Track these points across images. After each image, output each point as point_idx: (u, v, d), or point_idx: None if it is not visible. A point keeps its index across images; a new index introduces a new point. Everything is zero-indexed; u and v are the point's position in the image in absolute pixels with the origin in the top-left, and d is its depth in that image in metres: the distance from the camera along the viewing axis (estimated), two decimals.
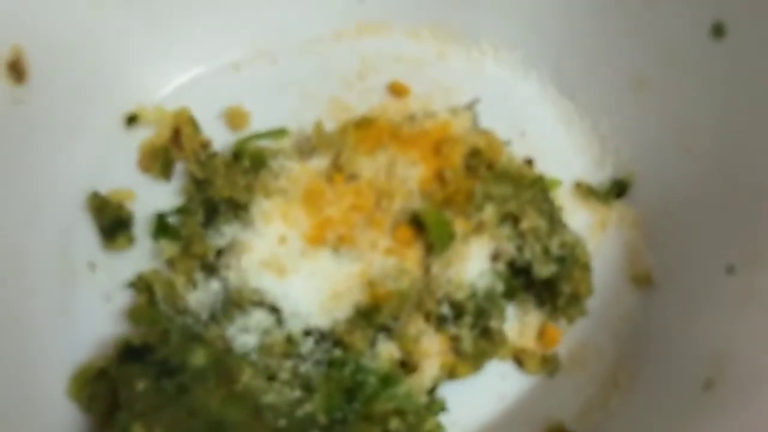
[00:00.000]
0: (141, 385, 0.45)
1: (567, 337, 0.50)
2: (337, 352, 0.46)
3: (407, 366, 0.46)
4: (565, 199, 0.55)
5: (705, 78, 0.50)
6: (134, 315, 0.50)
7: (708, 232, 0.49)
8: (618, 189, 0.54)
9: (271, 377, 0.46)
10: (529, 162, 0.53)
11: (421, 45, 0.60)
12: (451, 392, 0.48)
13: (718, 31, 0.48)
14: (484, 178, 0.50)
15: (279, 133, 0.56)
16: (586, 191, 0.54)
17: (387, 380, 0.45)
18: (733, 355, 0.44)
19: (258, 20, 0.59)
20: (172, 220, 0.54)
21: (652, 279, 0.51)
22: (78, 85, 0.54)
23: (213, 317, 0.48)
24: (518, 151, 0.55)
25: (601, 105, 0.56)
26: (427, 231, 0.48)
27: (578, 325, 0.51)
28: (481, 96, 0.57)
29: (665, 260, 0.52)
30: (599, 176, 0.55)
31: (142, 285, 0.51)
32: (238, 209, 0.51)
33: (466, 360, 0.48)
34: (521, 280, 0.50)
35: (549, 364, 0.49)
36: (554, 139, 0.57)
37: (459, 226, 0.49)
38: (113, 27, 0.55)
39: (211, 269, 0.50)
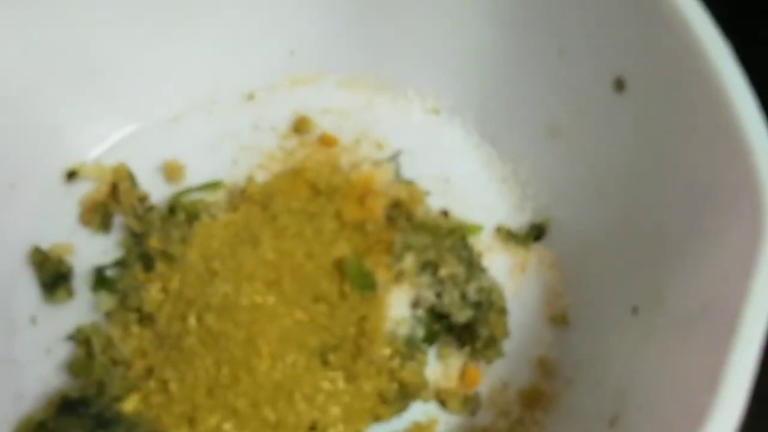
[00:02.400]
0: None
1: (487, 377, 0.53)
2: None
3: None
4: (486, 243, 0.57)
5: (611, 127, 0.53)
6: (73, 367, 0.52)
7: (616, 273, 0.52)
8: (536, 232, 0.57)
9: None
10: (445, 213, 0.56)
11: (351, 95, 0.63)
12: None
13: (619, 85, 0.51)
14: (403, 229, 0.53)
15: (213, 186, 0.58)
16: (506, 235, 0.57)
17: None
18: (635, 390, 0.46)
19: (193, 74, 0.61)
20: (110, 273, 0.55)
21: (568, 318, 0.54)
22: (17, 142, 0.56)
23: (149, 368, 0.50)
24: (442, 197, 0.58)
25: (521, 151, 0.59)
26: (350, 280, 0.50)
27: (497, 365, 0.53)
28: (407, 144, 0.60)
29: (580, 300, 0.54)
30: (519, 220, 0.58)
31: (80, 338, 0.53)
32: (172, 261, 0.53)
33: (390, 404, 0.50)
34: (442, 325, 0.53)
35: (470, 404, 0.52)
36: (477, 185, 0.59)
37: (380, 275, 0.51)
38: (50, 85, 0.57)
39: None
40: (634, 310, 0.49)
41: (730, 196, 0.44)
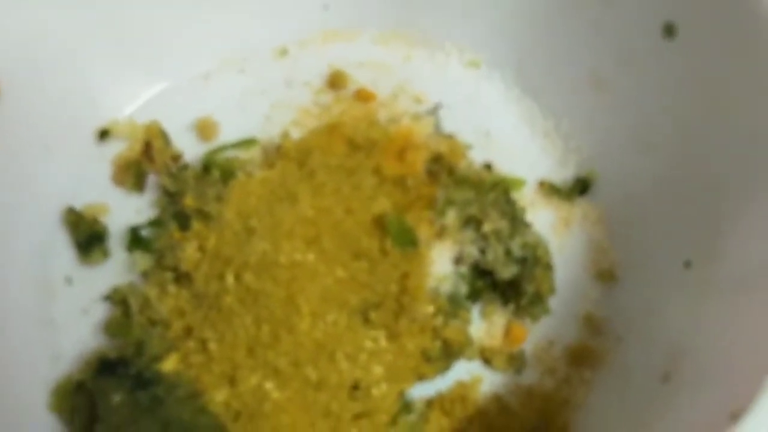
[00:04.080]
0: (117, 398, 0.47)
1: (532, 335, 0.52)
2: None
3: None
4: (529, 198, 0.56)
5: (659, 77, 0.51)
6: (110, 328, 0.51)
7: (667, 227, 0.51)
8: (581, 187, 0.55)
9: None
10: (488, 166, 0.54)
11: (386, 50, 0.61)
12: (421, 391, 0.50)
13: (669, 31, 0.50)
14: (445, 184, 0.51)
15: (247, 143, 0.57)
16: (549, 190, 0.56)
17: None
18: (688, 347, 0.45)
19: (224, 32, 0.60)
20: (145, 232, 0.55)
21: (615, 275, 0.53)
22: (49, 102, 0.55)
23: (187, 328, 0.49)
24: (483, 152, 0.57)
25: (563, 105, 0.58)
26: (391, 237, 0.49)
27: (543, 323, 0.52)
28: (446, 98, 0.59)
29: (627, 256, 0.53)
30: (562, 175, 0.57)
31: (117, 298, 0.52)
32: (208, 220, 0.52)
33: (434, 362, 0.49)
34: (485, 282, 0.51)
35: (515, 362, 0.50)
36: (518, 140, 0.58)
37: (422, 231, 0.50)
38: (81, 45, 0.56)
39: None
40: (687, 265, 0.48)
41: None
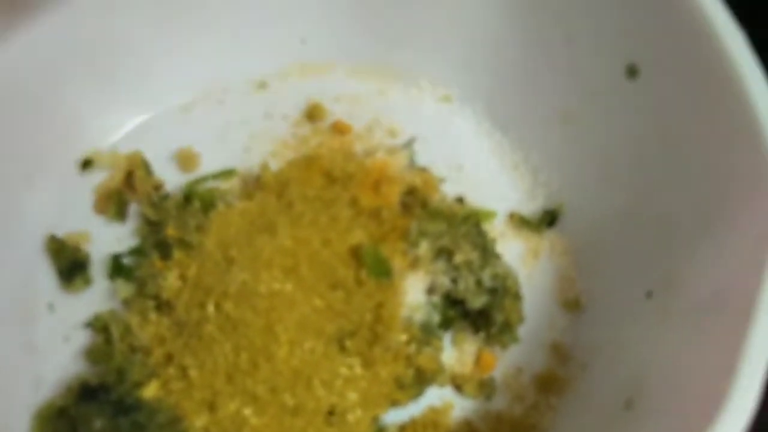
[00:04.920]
0: (98, 424, 0.48)
1: (502, 362, 0.54)
2: None
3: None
4: (499, 229, 0.58)
5: (622, 114, 0.53)
6: (92, 354, 0.52)
7: (630, 258, 0.53)
8: (549, 219, 0.57)
9: None
10: (460, 200, 0.57)
11: (362, 84, 0.63)
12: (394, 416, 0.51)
13: (631, 71, 0.52)
14: (419, 216, 0.53)
15: (227, 174, 0.58)
16: (519, 222, 0.58)
17: None
18: (650, 374, 0.47)
19: (205, 64, 0.62)
20: (127, 261, 0.56)
21: (581, 304, 0.55)
22: (32, 132, 0.56)
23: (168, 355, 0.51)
24: (456, 184, 0.59)
25: (532, 138, 0.60)
26: (366, 267, 0.51)
27: (512, 351, 0.54)
28: (420, 131, 0.61)
29: (592, 286, 0.55)
30: (531, 207, 0.59)
31: (98, 325, 0.53)
32: (189, 249, 0.53)
33: (407, 389, 0.50)
34: (457, 311, 0.53)
35: (485, 388, 0.52)
36: (489, 173, 0.60)
37: (396, 262, 0.52)
38: (66, 76, 0.57)
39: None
40: (649, 295, 0.50)
41: (743, 184, 0.44)
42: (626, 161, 0.54)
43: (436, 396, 0.52)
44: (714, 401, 0.39)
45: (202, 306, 0.50)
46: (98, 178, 0.59)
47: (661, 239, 0.50)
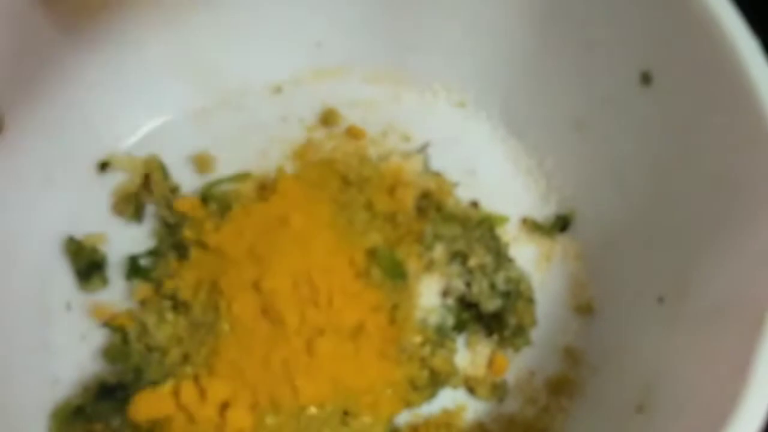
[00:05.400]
0: (116, 422, 0.48)
1: (514, 365, 0.54)
2: None
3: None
4: (512, 234, 0.58)
5: (636, 121, 0.54)
6: (109, 354, 0.53)
7: (641, 264, 0.53)
8: (561, 224, 0.58)
9: None
10: (475, 204, 0.57)
11: (376, 89, 0.64)
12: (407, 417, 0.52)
13: (645, 79, 0.52)
14: (433, 220, 0.54)
15: (242, 177, 0.59)
16: (532, 226, 0.58)
17: None
18: (661, 379, 0.47)
19: (221, 69, 0.62)
20: (143, 262, 0.57)
21: (593, 308, 0.55)
22: (51, 135, 0.57)
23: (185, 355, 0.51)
24: (469, 189, 0.59)
25: (546, 144, 0.60)
26: (381, 269, 0.51)
27: (524, 353, 0.54)
28: (434, 136, 0.61)
29: (604, 290, 0.55)
30: (544, 212, 0.59)
31: (115, 325, 0.54)
32: (206, 251, 0.54)
33: (421, 390, 0.51)
34: (470, 314, 0.54)
35: (498, 391, 0.53)
36: (503, 177, 0.61)
37: (411, 265, 0.52)
38: (84, 80, 0.58)
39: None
40: (660, 300, 0.50)
41: (756, 191, 0.45)
42: (639, 168, 0.54)
43: (449, 398, 0.53)
44: (726, 407, 0.39)
45: (218, 306, 0.51)
46: (115, 180, 0.60)
47: (673, 245, 0.50)
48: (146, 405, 0.48)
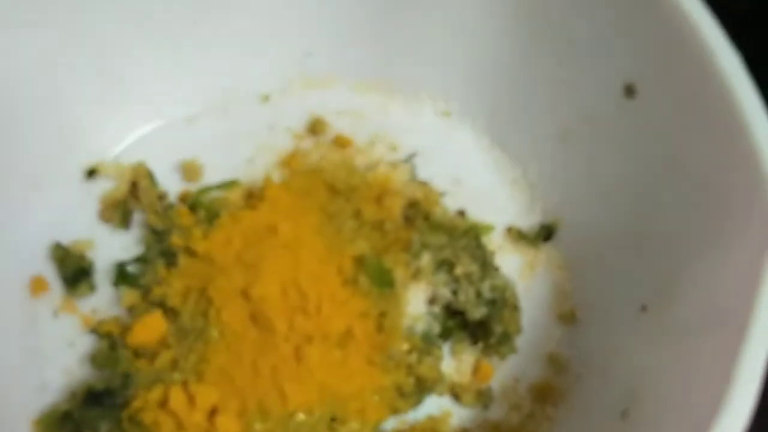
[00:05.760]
0: (104, 428, 0.49)
1: (499, 372, 0.55)
2: None
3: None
4: (497, 243, 0.59)
5: (621, 132, 0.55)
6: (97, 360, 0.53)
7: (625, 273, 0.54)
8: (546, 233, 0.59)
9: None
10: (461, 213, 0.58)
11: (364, 98, 0.64)
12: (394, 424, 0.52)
13: (629, 91, 0.53)
14: (420, 228, 0.55)
15: (230, 184, 0.59)
16: (516, 235, 0.59)
17: None
18: (645, 386, 0.48)
19: (209, 76, 0.63)
20: (131, 268, 0.57)
21: (577, 317, 0.56)
22: (38, 141, 0.57)
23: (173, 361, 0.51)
24: (454, 198, 0.60)
25: (530, 154, 0.61)
26: (369, 278, 0.52)
27: (509, 361, 0.55)
28: (421, 146, 0.62)
29: (588, 299, 0.56)
30: (529, 221, 0.60)
31: (103, 331, 0.54)
32: (194, 258, 0.54)
33: (408, 397, 0.51)
34: (456, 322, 0.54)
35: (483, 398, 0.53)
36: (488, 187, 0.61)
37: (398, 273, 0.53)
38: (71, 87, 0.58)
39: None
40: (644, 309, 0.51)
41: (740, 202, 0.46)
42: (623, 178, 0.55)
43: (434, 405, 0.53)
44: (708, 416, 0.40)
45: (207, 313, 0.51)
46: (103, 187, 0.60)
47: (657, 255, 0.51)
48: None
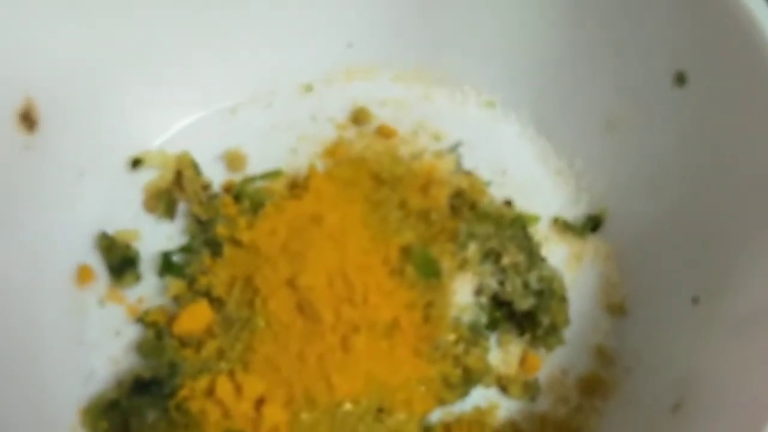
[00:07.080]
0: (152, 417, 0.49)
1: (546, 364, 0.54)
2: None
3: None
4: (543, 233, 0.58)
5: (669, 122, 0.54)
6: (143, 349, 0.53)
7: (675, 264, 0.53)
8: (592, 224, 0.58)
9: None
10: (508, 203, 0.57)
11: (407, 88, 0.64)
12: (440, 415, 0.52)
13: (680, 79, 0.52)
14: (467, 218, 0.54)
15: (274, 174, 0.59)
16: (563, 226, 0.58)
17: None
18: (696, 379, 0.47)
19: (253, 67, 0.63)
20: (176, 258, 0.57)
21: (625, 308, 0.55)
22: (85, 132, 0.58)
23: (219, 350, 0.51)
24: (499, 189, 0.59)
25: (576, 145, 0.60)
26: (415, 268, 0.52)
27: (556, 353, 0.54)
28: (465, 136, 0.61)
29: (637, 291, 0.55)
30: (575, 212, 0.59)
31: (149, 320, 0.54)
32: (239, 247, 0.54)
33: (454, 388, 0.51)
34: (503, 312, 0.54)
35: (530, 390, 0.53)
36: (533, 178, 0.61)
37: (445, 263, 0.52)
38: (117, 77, 0.58)
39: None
40: (695, 300, 0.50)
41: None
42: (671, 168, 0.54)
43: (481, 396, 0.53)
44: (761, 410, 0.39)
45: (253, 303, 0.51)
46: (147, 176, 0.60)
47: (708, 246, 0.50)
48: None
